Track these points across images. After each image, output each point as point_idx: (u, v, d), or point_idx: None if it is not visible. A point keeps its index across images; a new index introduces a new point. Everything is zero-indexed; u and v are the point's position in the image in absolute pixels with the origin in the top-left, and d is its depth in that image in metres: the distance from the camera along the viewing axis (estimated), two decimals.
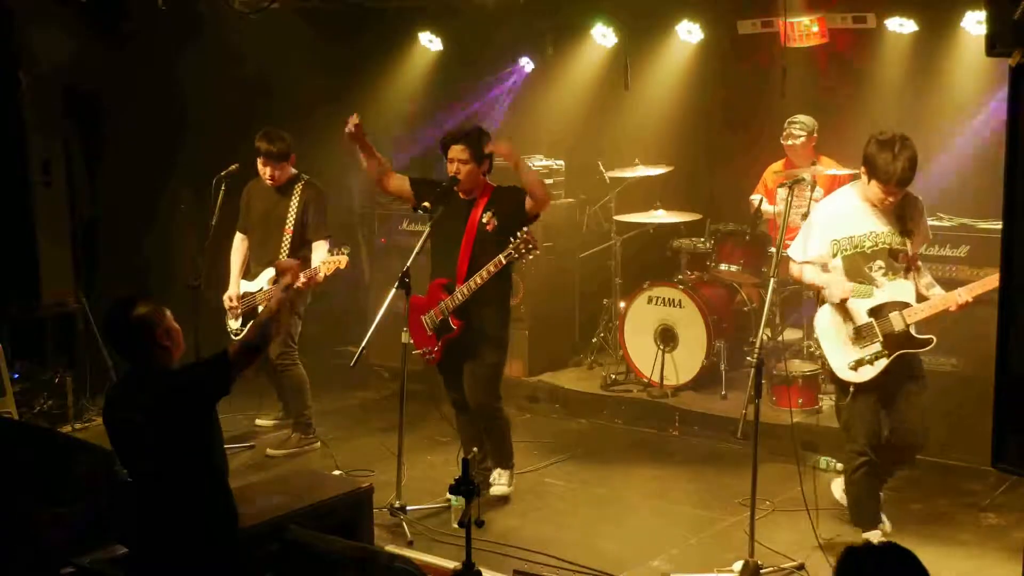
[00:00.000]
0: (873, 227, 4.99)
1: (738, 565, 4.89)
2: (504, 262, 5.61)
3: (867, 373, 4.97)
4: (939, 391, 5.65)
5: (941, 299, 4.93)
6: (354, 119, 5.73)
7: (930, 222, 5.39)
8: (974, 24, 6.69)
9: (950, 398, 5.81)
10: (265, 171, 6.64)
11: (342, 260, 6.42)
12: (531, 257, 5.67)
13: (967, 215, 6.18)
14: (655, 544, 5.39)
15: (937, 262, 5.97)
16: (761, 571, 4.86)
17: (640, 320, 7.59)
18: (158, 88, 7.68)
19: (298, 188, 6.70)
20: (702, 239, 7.79)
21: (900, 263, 5.01)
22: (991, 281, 4.66)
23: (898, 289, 4.97)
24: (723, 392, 7.30)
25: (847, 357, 5.01)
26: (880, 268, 4.99)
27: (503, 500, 5.94)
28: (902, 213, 5.01)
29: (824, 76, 7.77)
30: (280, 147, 6.59)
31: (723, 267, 7.56)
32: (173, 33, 7.56)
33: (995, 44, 3.01)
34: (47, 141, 7.11)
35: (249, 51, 7.88)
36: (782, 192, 6.91)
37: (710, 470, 6.46)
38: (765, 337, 5.73)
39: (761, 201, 7.59)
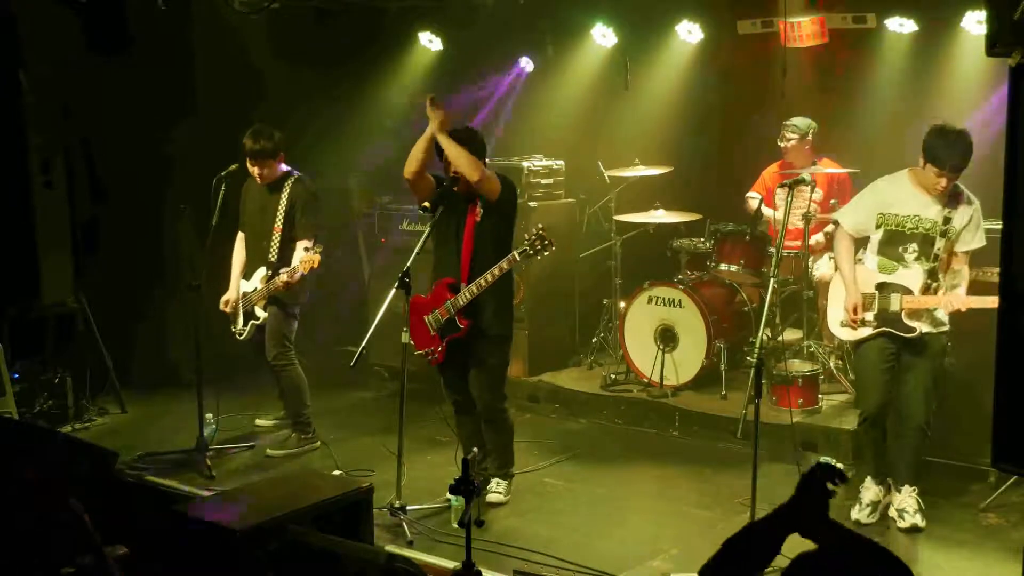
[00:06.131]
0: (918, 211, 5.29)
1: None
2: (518, 259, 5.61)
3: (852, 335, 5.47)
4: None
5: (936, 298, 5.27)
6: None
7: None
8: (974, 24, 6.69)
9: (949, 398, 5.81)
10: (253, 169, 6.65)
11: (315, 259, 6.44)
12: (547, 254, 5.64)
13: None
14: (655, 544, 5.39)
15: None
16: None
17: (640, 320, 7.59)
18: (158, 88, 7.68)
19: (287, 185, 6.69)
20: (702, 239, 7.79)
21: (934, 262, 5.27)
22: (989, 301, 4.96)
23: (908, 275, 5.30)
24: (723, 392, 7.29)
25: (842, 315, 5.45)
26: (914, 252, 5.31)
27: (496, 505, 5.93)
28: (952, 209, 5.25)
29: (824, 76, 7.78)
30: (265, 145, 6.58)
31: (723, 267, 7.56)
32: (174, 33, 7.56)
33: (995, 44, 3.01)
34: (47, 141, 7.11)
35: (249, 51, 7.87)
36: (781, 192, 6.93)
37: (710, 470, 6.46)
38: (765, 337, 5.72)
39: (760, 202, 7.61)
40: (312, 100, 8.48)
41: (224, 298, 6.83)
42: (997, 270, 4.11)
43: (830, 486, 2.80)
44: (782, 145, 7.42)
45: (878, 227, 5.39)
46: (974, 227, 5.30)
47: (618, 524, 5.71)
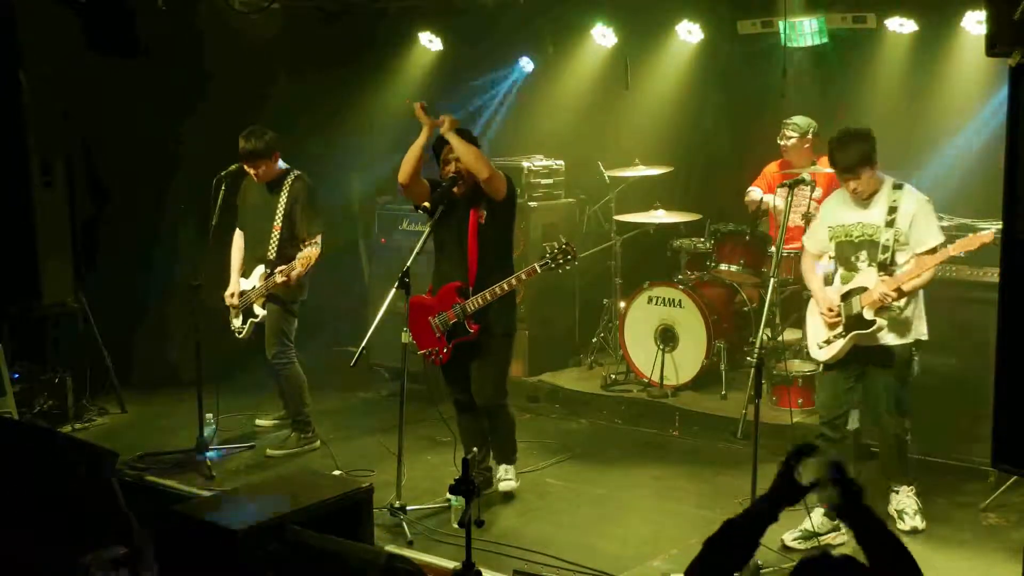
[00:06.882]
0: (861, 218, 5.27)
1: None
2: (539, 270, 5.62)
3: (828, 352, 5.33)
4: (938, 391, 5.68)
5: (882, 284, 5.11)
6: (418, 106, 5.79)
7: None
8: (974, 24, 6.69)
9: (949, 398, 5.81)
10: (250, 169, 6.66)
11: (312, 254, 6.45)
12: (568, 268, 5.65)
13: (967, 215, 6.17)
14: (655, 544, 5.39)
15: None
16: (761, 571, 4.86)
17: (640, 320, 7.59)
18: (159, 88, 7.68)
19: (287, 183, 6.70)
20: (702, 239, 7.79)
21: (883, 255, 5.17)
22: (912, 271, 5.08)
23: (862, 277, 5.26)
24: (723, 392, 7.30)
25: (819, 336, 5.39)
26: (864, 259, 5.25)
27: (507, 498, 5.95)
28: (894, 208, 5.17)
29: (824, 76, 7.77)
30: (257, 145, 6.58)
31: (723, 267, 7.57)
32: (175, 33, 7.56)
33: (995, 44, 3.03)
34: (47, 141, 7.11)
35: (249, 51, 7.87)
36: (782, 192, 6.93)
37: (710, 470, 6.46)
38: (765, 337, 5.72)
39: (762, 198, 7.60)
40: (313, 100, 8.47)
41: (228, 291, 6.84)
42: (997, 270, 4.11)
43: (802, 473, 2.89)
44: (782, 144, 7.41)
45: (831, 240, 5.37)
46: (923, 223, 5.17)
47: (618, 524, 5.70)
